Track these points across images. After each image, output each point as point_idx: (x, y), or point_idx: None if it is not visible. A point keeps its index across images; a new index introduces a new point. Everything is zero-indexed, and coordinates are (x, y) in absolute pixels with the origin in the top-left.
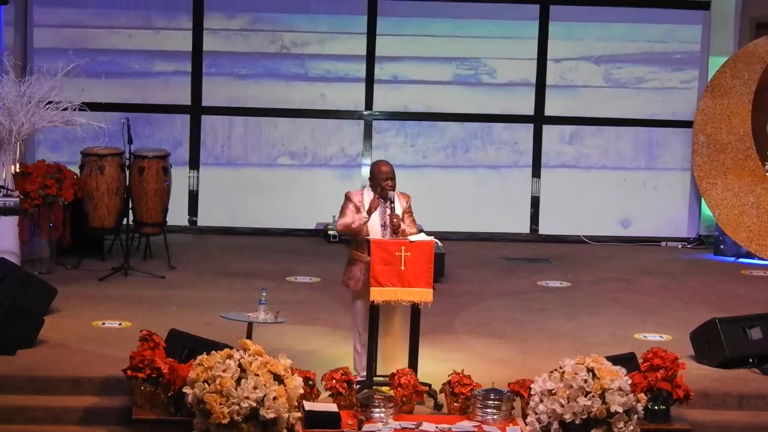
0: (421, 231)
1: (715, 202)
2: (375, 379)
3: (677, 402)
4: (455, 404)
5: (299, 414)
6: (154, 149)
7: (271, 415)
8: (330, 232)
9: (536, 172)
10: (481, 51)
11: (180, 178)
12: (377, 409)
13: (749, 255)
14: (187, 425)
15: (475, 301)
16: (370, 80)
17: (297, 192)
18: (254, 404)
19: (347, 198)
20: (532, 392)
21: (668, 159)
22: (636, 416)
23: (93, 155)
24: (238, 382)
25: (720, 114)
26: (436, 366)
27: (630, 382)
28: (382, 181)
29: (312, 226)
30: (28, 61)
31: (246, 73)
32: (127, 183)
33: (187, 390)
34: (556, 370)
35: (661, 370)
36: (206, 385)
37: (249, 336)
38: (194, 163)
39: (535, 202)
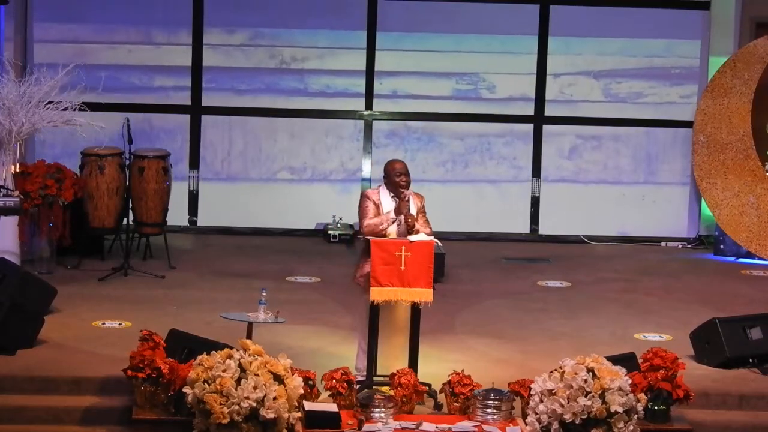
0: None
1: (715, 202)
2: (375, 379)
3: (677, 402)
4: (455, 404)
5: (299, 414)
6: (154, 149)
7: (271, 415)
8: (330, 232)
9: (536, 173)
10: (481, 66)
11: (179, 187)
12: (377, 409)
13: (749, 255)
14: (187, 425)
15: (475, 301)
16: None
17: (297, 198)
18: (254, 404)
19: (366, 197)
20: (532, 392)
21: (667, 173)
22: (636, 416)
23: (93, 155)
24: (238, 382)
25: (720, 114)
26: (436, 366)
27: (630, 382)
28: (395, 177)
29: (312, 226)
30: (28, 61)
31: (246, 88)
32: (127, 183)
33: (187, 390)
34: (556, 370)
35: (661, 370)
36: (206, 385)
37: (249, 336)
38: (194, 163)
39: (535, 203)
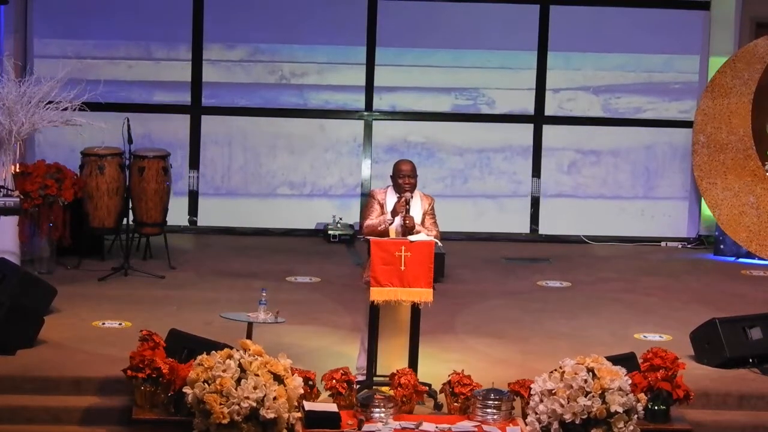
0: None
1: (715, 202)
2: (375, 379)
3: (677, 402)
4: (455, 404)
5: (299, 414)
6: (154, 149)
7: (271, 415)
8: (330, 232)
9: (536, 173)
10: (480, 81)
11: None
12: (377, 409)
13: (749, 255)
14: (187, 425)
15: (475, 301)
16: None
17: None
18: (254, 404)
19: (371, 196)
20: (532, 392)
21: (666, 188)
22: (636, 416)
23: (93, 155)
24: (238, 382)
25: (720, 114)
26: (436, 366)
27: (630, 382)
28: (399, 179)
29: (312, 226)
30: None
31: (245, 104)
32: (127, 183)
33: (187, 390)
34: (556, 370)
35: (661, 370)
36: (206, 385)
37: (249, 336)
38: (194, 163)
39: (535, 203)
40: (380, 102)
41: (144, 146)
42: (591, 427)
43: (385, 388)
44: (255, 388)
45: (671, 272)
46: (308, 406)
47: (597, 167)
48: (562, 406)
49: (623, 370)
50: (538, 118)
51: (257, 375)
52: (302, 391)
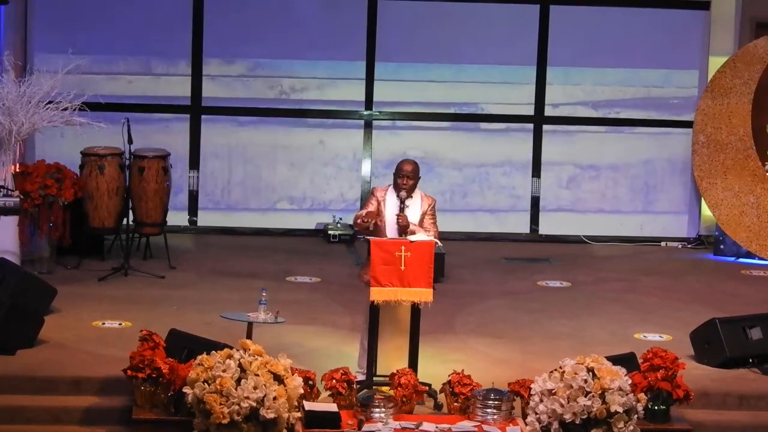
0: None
1: (715, 202)
2: (375, 379)
3: (677, 402)
4: (455, 404)
5: (299, 414)
6: (154, 149)
7: (271, 415)
8: (330, 232)
9: (536, 173)
10: (480, 96)
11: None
12: (377, 409)
13: (749, 255)
14: (187, 425)
15: (475, 301)
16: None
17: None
18: (254, 404)
19: (372, 193)
20: (532, 392)
21: (665, 203)
22: (636, 416)
23: (93, 155)
24: (238, 382)
25: (720, 114)
26: (436, 366)
27: (630, 382)
28: (398, 178)
29: (312, 226)
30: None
31: (245, 119)
32: (127, 183)
33: (187, 390)
34: (556, 370)
35: (661, 370)
36: (206, 385)
37: (249, 336)
38: (194, 163)
39: (535, 203)
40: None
41: (144, 146)
42: (591, 427)
43: (385, 388)
44: (255, 388)
45: (671, 272)
46: (308, 406)
47: (596, 182)
48: (562, 406)
49: (623, 370)
50: (538, 119)
51: (257, 375)
52: (302, 391)
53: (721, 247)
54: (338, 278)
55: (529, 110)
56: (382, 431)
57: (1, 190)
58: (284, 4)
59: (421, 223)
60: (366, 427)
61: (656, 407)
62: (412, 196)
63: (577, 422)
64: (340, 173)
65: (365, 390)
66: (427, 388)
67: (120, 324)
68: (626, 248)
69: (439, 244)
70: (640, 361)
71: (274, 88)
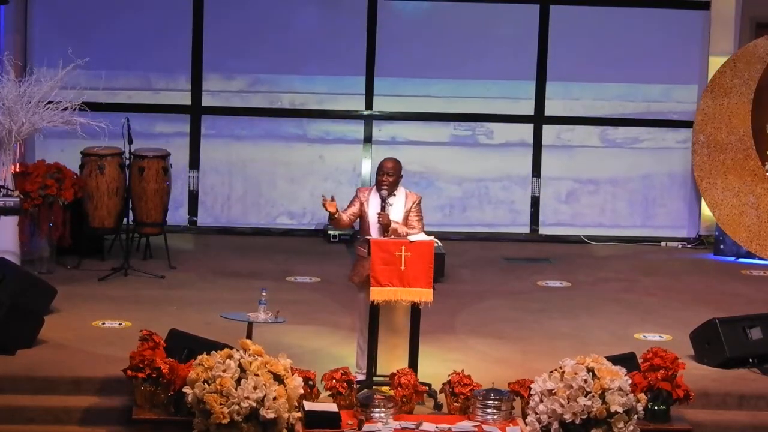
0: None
1: (715, 202)
2: (375, 379)
3: (677, 402)
4: (455, 404)
5: (299, 414)
6: (155, 149)
7: (271, 415)
8: (330, 232)
9: (536, 173)
10: (479, 111)
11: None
12: (377, 409)
13: (749, 255)
14: (187, 425)
15: (475, 301)
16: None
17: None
18: (254, 404)
19: (355, 193)
20: (532, 392)
21: (665, 217)
22: (636, 416)
23: (93, 155)
24: (238, 382)
25: (720, 114)
26: (436, 366)
27: (630, 382)
28: (378, 175)
29: (312, 227)
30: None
31: (245, 134)
32: (127, 183)
33: (187, 390)
34: (556, 370)
35: (661, 370)
36: (206, 385)
37: (249, 336)
38: (194, 163)
39: (535, 203)
40: (379, 132)
41: (144, 146)
42: (591, 427)
43: (385, 388)
44: (255, 388)
45: (671, 272)
46: (308, 406)
47: (595, 196)
48: (562, 406)
49: (623, 370)
50: (539, 118)
51: (257, 375)
52: (302, 391)
53: (721, 247)
54: (338, 278)
55: (529, 127)
56: (382, 431)
57: (1, 190)
58: (284, 19)
59: (405, 220)
60: (366, 427)
61: (656, 407)
62: (395, 194)
63: (577, 422)
64: (339, 188)
65: (365, 390)
66: (427, 388)
67: (120, 324)
68: (626, 248)
69: (439, 243)
70: (640, 361)
71: (274, 103)
